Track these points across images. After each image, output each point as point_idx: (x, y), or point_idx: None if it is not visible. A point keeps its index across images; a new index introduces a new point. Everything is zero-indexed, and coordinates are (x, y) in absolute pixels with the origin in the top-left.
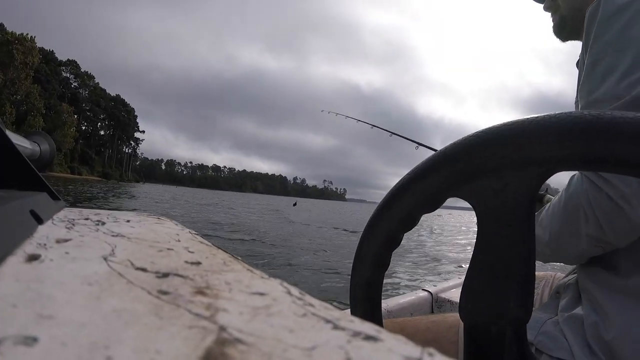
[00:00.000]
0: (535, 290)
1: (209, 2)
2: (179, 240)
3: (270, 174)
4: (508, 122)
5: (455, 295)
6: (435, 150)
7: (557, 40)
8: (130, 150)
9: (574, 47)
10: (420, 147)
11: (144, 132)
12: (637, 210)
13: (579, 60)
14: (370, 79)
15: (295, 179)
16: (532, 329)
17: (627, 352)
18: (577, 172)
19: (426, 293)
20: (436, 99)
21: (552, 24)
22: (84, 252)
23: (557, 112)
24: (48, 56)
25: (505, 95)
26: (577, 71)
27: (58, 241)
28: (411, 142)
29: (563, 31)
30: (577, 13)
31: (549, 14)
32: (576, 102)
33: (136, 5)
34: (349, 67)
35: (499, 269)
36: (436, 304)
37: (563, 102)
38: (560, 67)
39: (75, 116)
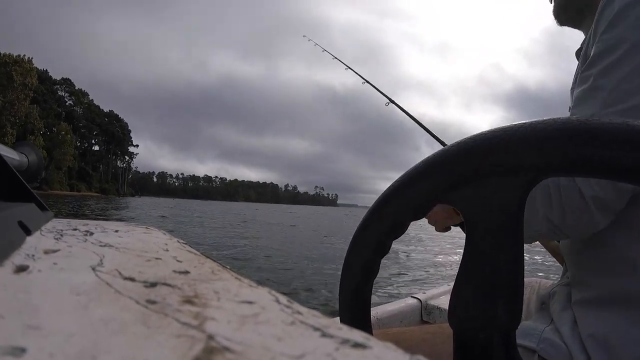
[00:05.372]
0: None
1: (177, 10)
2: (167, 250)
3: (261, 182)
4: (496, 129)
5: (444, 302)
6: (404, 110)
7: (534, 32)
8: (125, 165)
9: (552, 38)
10: (391, 104)
11: (137, 146)
12: (597, 215)
13: (579, 49)
14: (344, 80)
15: (286, 186)
16: (533, 337)
17: (625, 353)
18: None
19: (415, 300)
20: (417, 98)
21: (552, 4)
22: (72, 262)
23: (544, 118)
24: (43, 75)
25: (486, 90)
26: (575, 60)
27: (46, 252)
28: (383, 97)
29: (563, 14)
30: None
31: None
32: (572, 90)
33: (102, 13)
34: (324, 70)
35: (486, 276)
36: (425, 311)
37: (544, 96)
38: (540, 59)
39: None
